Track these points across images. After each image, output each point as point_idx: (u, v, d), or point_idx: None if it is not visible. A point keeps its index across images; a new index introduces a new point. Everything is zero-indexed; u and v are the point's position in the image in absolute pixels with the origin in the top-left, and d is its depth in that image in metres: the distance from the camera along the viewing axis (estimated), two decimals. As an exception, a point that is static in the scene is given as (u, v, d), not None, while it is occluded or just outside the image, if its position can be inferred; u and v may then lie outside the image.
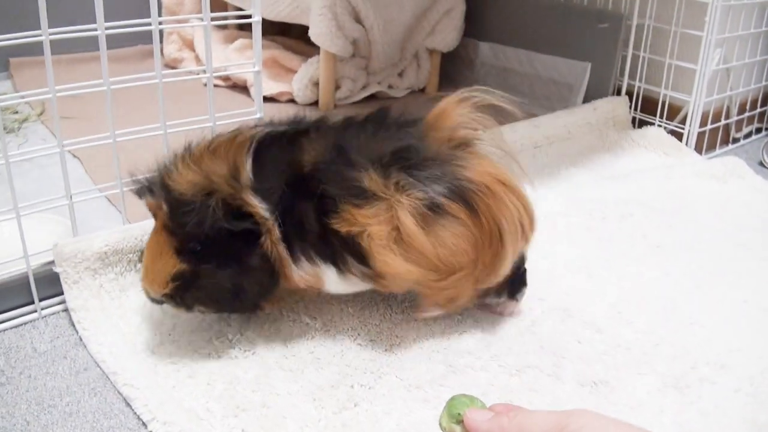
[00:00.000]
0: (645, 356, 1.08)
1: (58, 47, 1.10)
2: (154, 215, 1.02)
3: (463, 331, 1.13)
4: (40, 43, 1.07)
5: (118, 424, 0.97)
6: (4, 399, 1.02)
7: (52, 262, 1.19)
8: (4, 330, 1.16)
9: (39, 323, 1.18)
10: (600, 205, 1.55)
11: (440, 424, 0.78)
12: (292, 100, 2.33)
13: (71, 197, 1.18)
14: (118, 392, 1.02)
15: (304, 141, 1.00)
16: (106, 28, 1.12)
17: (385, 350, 1.09)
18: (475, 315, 1.17)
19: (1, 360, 1.09)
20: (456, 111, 1.03)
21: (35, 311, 1.19)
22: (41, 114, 2.13)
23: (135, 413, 0.98)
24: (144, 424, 0.97)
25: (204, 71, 1.29)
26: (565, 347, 1.10)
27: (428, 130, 1.02)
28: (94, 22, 1.11)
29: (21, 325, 1.17)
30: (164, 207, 0.98)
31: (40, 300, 1.19)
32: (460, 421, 0.76)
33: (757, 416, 0.98)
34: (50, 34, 1.08)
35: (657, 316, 1.18)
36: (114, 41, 1.23)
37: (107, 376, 1.05)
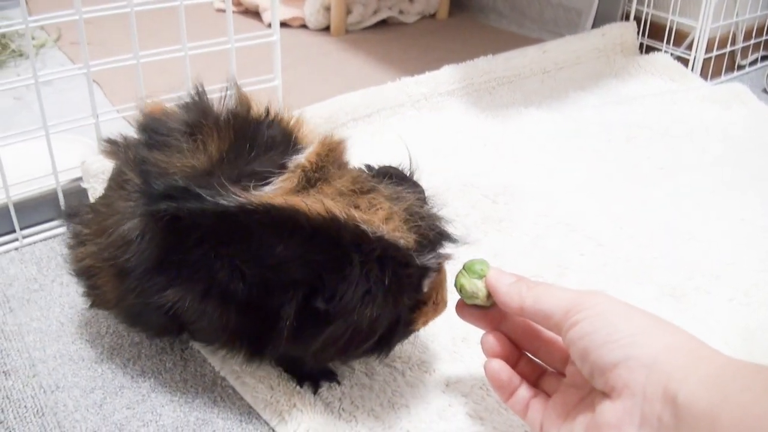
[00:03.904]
0: (644, 268, 1.14)
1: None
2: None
3: (470, 245, 1.19)
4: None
5: (148, 324, 1.04)
6: (39, 303, 1.08)
7: (79, 179, 1.25)
8: (35, 242, 1.22)
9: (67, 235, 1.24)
10: (606, 128, 1.60)
11: (456, 284, 0.84)
12: (304, 25, 2.36)
13: (98, 116, 1.23)
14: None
15: None
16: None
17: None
18: (483, 228, 1.23)
19: (33, 269, 1.16)
20: None
21: (64, 225, 1.25)
22: (58, 39, 2.17)
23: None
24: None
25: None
26: (568, 259, 1.16)
27: None
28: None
29: (51, 237, 1.24)
30: None
31: (69, 214, 1.25)
32: (482, 277, 0.82)
33: (748, 323, 1.04)
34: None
35: (657, 232, 1.23)
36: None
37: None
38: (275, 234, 0.74)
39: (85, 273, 0.91)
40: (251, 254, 0.75)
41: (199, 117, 0.88)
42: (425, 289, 0.82)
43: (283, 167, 0.81)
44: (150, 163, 0.83)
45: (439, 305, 0.85)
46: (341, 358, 0.87)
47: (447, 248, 0.84)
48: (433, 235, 0.81)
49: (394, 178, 0.84)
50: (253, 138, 0.85)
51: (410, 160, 0.89)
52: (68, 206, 0.97)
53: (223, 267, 0.76)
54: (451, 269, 0.86)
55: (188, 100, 0.93)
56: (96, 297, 0.94)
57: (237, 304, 0.78)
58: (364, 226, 0.74)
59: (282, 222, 0.74)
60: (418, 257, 0.78)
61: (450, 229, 0.84)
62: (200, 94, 0.93)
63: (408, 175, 0.87)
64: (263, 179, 0.79)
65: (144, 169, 0.83)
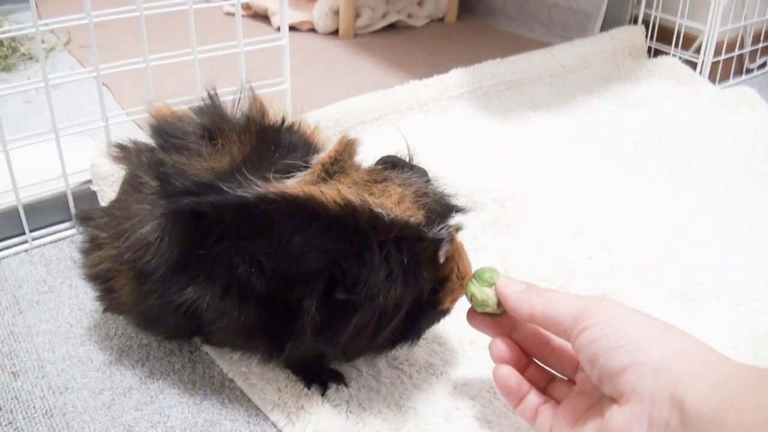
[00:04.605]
0: (652, 272, 1.14)
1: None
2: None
3: (479, 247, 1.19)
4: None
5: (157, 327, 1.04)
6: (48, 305, 1.09)
7: (89, 181, 1.26)
8: (45, 244, 1.23)
9: (78, 238, 1.24)
10: (614, 132, 1.60)
11: (467, 293, 0.84)
12: (312, 29, 2.36)
13: (107, 119, 1.23)
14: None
15: None
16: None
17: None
18: (491, 232, 1.23)
19: (42, 270, 1.16)
20: None
21: (74, 227, 1.25)
22: (67, 43, 2.18)
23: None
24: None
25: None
26: (576, 263, 1.16)
27: None
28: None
29: (60, 240, 1.24)
30: None
31: (78, 217, 1.25)
32: (492, 285, 0.83)
33: (756, 327, 1.04)
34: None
35: (665, 236, 1.23)
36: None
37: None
38: (294, 224, 0.75)
39: (101, 277, 0.91)
40: (271, 246, 0.76)
41: (215, 121, 0.89)
42: (441, 260, 0.83)
43: (306, 165, 0.82)
44: (168, 165, 0.84)
45: (464, 280, 0.85)
46: (371, 348, 0.87)
47: (455, 219, 0.86)
48: (440, 208, 0.82)
49: (400, 166, 0.85)
50: (275, 142, 0.87)
51: (408, 147, 0.90)
52: (81, 210, 0.97)
53: (244, 262, 0.77)
54: (465, 245, 0.87)
55: (201, 104, 0.94)
56: (111, 301, 0.94)
57: (256, 300, 0.79)
58: (378, 210, 0.75)
59: (300, 211, 0.75)
60: (429, 231, 0.79)
61: (455, 201, 0.86)
62: (213, 98, 0.94)
63: (409, 161, 0.88)
64: (286, 173, 0.80)
65: (163, 171, 0.83)
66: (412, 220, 0.77)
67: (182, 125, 0.90)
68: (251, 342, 0.85)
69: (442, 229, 0.81)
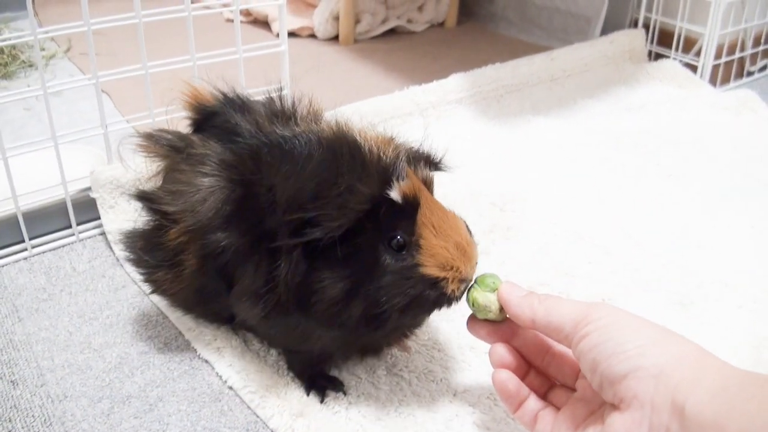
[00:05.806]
0: (653, 276, 1.14)
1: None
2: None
3: (479, 251, 1.19)
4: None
5: (156, 334, 1.04)
6: (47, 313, 1.09)
7: (88, 189, 1.26)
8: (44, 252, 1.23)
9: (77, 246, 1.24)
10: (614, 135, 1.60)
11: (469, 298, 0.83)
12: (312, 35, 2.36)
13: (106, 126, 1.23)
14: (156, 306, 1.09)
15: None
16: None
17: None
18: (491, 237, 1.23)
19: (42, 278, 1.16)
20: None
21: (73, 234, 1.25)
22: (68, 51, 2.18)
23: (173, 325, 1.06)
24: (181, 333, 1.04)
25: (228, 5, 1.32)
26: (576, 267, 1.16)
27: None
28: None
29: (60, 247, 1.24)
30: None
31: (78, 224, 1.26)
32: (494, 290, 0.82)
33: (757, 330, 1.03)
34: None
35: (666, 240, 1.23)
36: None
37: (145, 293, 1.12)
38: (309, 154, 0.80)
39: (174, 251, 0.91)
40: (291, 176, 0.79)
41: (286, 111, 0.98)
42: (394, 195, 0.80)
43: None
44: (244, 126, 0.91)
45: (443, 239, 0.82)
46: (350, 316, 0.81)
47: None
48: (413, 155, 0.88)
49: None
50: None
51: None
52: (138, 190, 0.98)
53: (265, 197, 0.80)
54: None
55: (270, 96, 1.00)
56: (164, 282, 0.94)
57: (265, 248, 0.81)
58: (358, 138, 0.83)
59: (314, 142, 0.82)
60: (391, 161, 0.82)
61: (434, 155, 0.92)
62: (282, 93, 1.00)
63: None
64: None
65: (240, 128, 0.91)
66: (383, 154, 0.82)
67: (252, 105, 0.98)
68: (253, 305, 0.84)
69: (398, 161, 0.82)
